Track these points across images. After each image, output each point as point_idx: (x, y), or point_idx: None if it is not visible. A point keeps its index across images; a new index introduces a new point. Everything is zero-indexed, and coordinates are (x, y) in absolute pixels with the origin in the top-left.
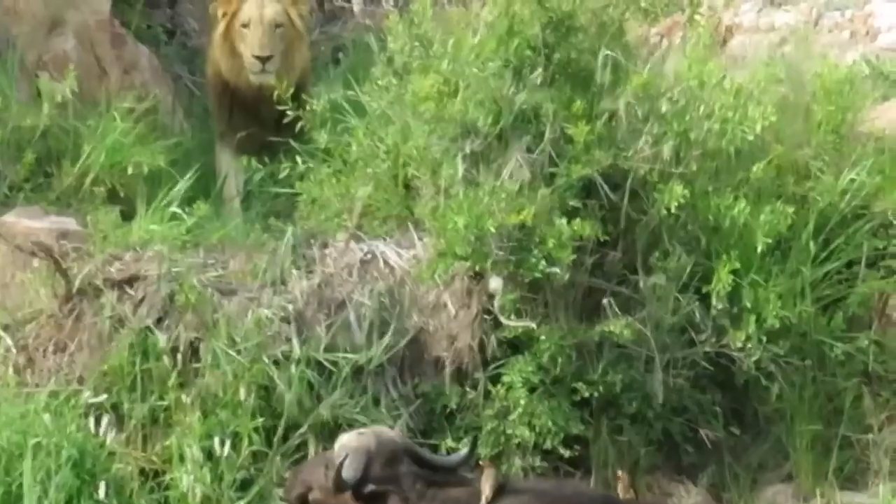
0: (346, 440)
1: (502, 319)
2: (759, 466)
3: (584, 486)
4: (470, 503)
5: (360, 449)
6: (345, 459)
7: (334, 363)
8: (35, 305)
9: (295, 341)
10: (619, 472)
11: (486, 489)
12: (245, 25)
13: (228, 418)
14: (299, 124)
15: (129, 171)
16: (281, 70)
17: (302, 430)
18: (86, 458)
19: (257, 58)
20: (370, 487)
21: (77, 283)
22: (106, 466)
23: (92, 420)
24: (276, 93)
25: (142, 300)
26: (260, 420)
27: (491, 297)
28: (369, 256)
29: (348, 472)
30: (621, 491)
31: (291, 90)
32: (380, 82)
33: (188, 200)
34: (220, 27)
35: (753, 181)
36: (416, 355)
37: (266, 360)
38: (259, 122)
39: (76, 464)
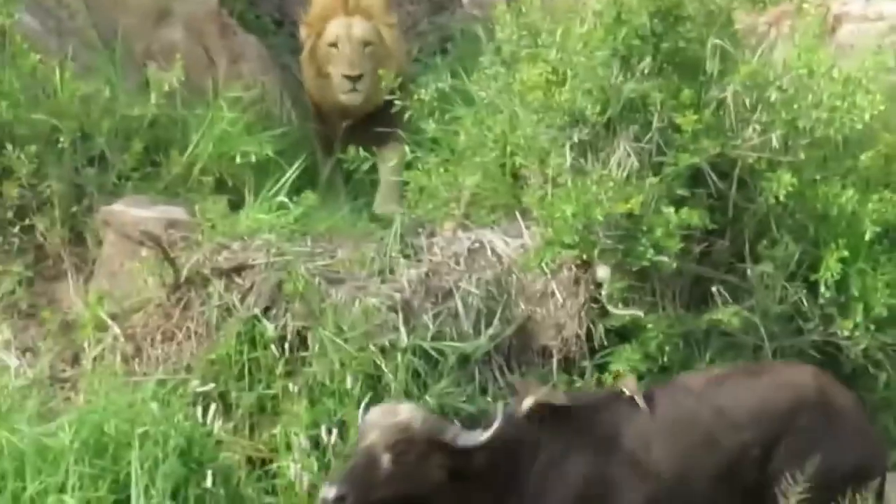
0: (400, 413)
1: (609, 308)
2: None
3: None
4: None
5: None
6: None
7: (441, 352)
8: (143, 294)
9: (402, 330)
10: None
11: (633, 388)
12: (333, 45)
13: (335, 406)
14: (406, 115)
15: (237, 160)
16: (370, 89)
17: None
18: (193, 447)
19: (347, 77)
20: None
21: (185, 273)
22: (213, 455)
23: (199, 409)
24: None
25: (249, 289)
26: None
27: (598, 285)
28: (476, 245)
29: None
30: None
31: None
32: (488, 71)
33: (296, 190)
34: (306, 49)
35: (861, 170)
36: (522, 344)
37: (373, 349)
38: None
39: (183, 452)
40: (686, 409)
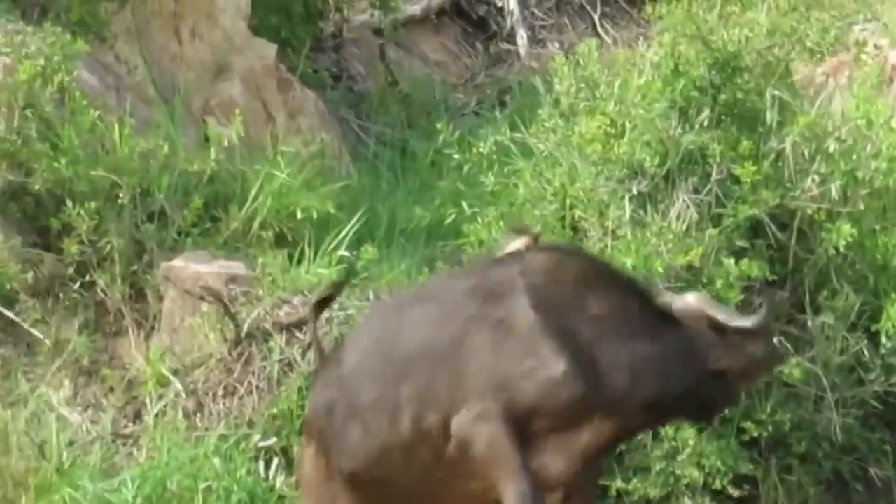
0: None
1: None
2: None
3: None
4: None
5: None
6: None
7: None
8: (204, 350)
9: None
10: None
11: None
12: None
13: None
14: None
15: (297, 215)
16: None
17: None
18: (256, 502)
19: None
20: None
21: (246, 328)
22: None
23: (262, 464)
24: None
25: (311, 344)
26: None
27: None
28: None
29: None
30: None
31: None
32: (546, 124)
33: (356, 243)
34: None
35: None
36: None
37: None
38: None
39: None
40: None
